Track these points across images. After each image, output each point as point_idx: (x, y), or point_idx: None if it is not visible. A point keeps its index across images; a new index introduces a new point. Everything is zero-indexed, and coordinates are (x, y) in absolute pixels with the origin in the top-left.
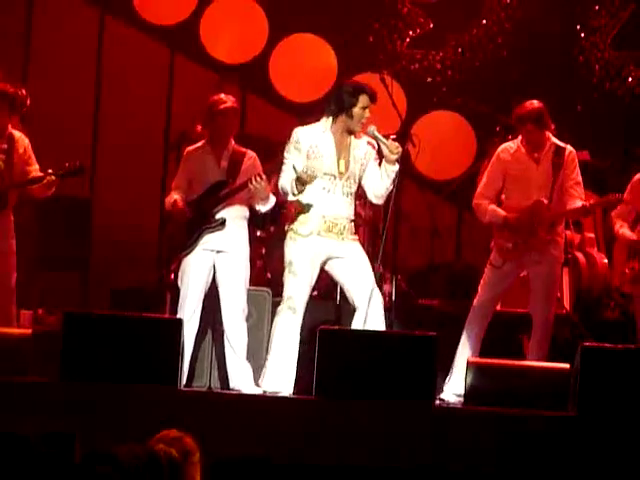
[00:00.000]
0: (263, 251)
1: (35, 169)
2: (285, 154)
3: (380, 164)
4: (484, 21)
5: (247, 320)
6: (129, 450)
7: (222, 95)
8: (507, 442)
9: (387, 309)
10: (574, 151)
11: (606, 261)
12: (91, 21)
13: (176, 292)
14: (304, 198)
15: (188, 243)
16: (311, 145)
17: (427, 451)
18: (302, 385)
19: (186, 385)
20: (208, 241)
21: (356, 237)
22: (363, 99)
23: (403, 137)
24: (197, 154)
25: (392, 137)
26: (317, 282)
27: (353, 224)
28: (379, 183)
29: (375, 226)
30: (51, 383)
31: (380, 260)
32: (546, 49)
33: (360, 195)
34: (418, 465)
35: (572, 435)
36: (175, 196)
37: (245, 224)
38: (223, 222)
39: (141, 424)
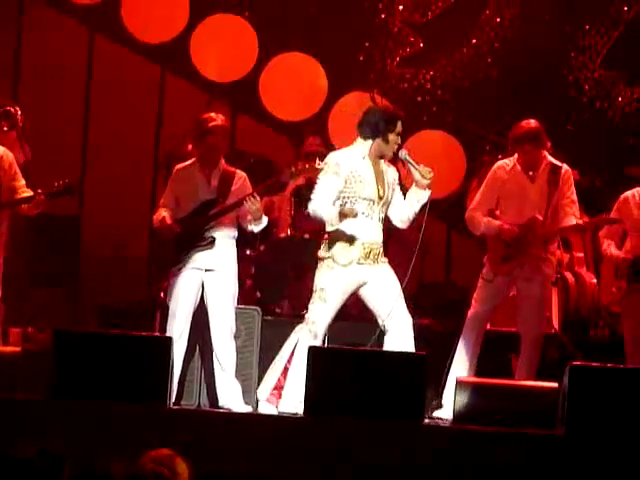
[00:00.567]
0: (253, 270)
1: (22, 185)
2: (321, 177)
3: (409, 188)
4: (474, 40)
5: (236, 338)
6: (119, 469)
7: (212, 114)
8: (496, 461)
9: None
10: (570, 170)
11: (595, 281)
12: (81, 39)
13: (165, 310)
14: (344, 224)
15: (177, 261)
16: (351, 170)
17: (415, 470)
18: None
19: (175, 403)
20: (197, 260)
21: (386, 260)
22: (398, 125)
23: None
24: (187, 172)
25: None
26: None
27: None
28: (406, 208)
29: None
30: (41, 401)
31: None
32: (536, 68)
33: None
34: None
35: (560, 454)
36: (163, 213)
37: (234, 243)
38: (212, 241)
39: (131, 443)
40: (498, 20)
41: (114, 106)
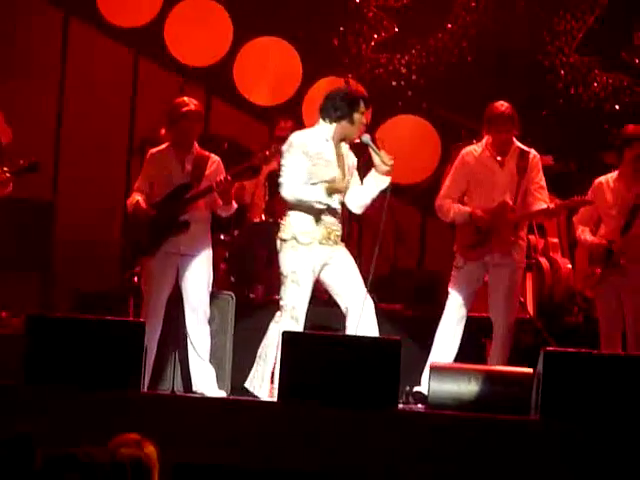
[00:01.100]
0: (227, 255)
1: None
2: (287, 158)
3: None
4: (449, 25)
5: (210, 323)
6: (91, 454)
7: (185, 98)
8: (470, 447)
9: None
10: (538, 155)
11: (570, 266)
12: (55, 22)
13: (139, 295)
14: (305, 207)
15: (151, 246)
16: (317, 152)
17: (390, 455)
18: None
19: (149, 388)
20: (171, 244)
21: (343, 243)
22: (362, 105)
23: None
24: (161, 157)
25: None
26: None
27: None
28: (364, 193)
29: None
30: (14, 386)
31: (372, 267)
32: (511, 54)
33: None
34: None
35: (534, 440)
36: (137, 197)
37: (208, 227)
38: (187, 225)
39: (104, 427)
40: (473, 5)
41: (87, 90)
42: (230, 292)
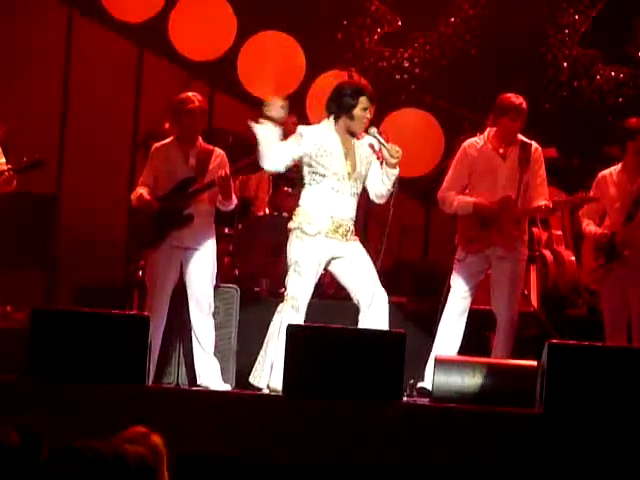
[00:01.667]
0: (231, 248)
1: (1, 162)
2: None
3: (381, 165)
4: (452, 19)
5: (214, 316)
6: (95, 448)
7: (189, 94)
8: (474, 440)
9: None
10: (540, 148)
11: (574, 259)
12: (59, 18)
13: (143, 289)
14: (313, 197)
15: (155, 240)
16: (315, 143)
17: (394, 449)
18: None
19: (154, 382)
20: (175, 238)
21: (357, 238)
22: (363, 100)
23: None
24: (165, 151)
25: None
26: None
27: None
28: (381, 185)
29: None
30: (19, 380)
31: (380, 261)
32: (514, 46)
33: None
34: (385, 463)
35: (539, 432)
36: (141, 190)
37: (212, 221)
38: (191, 219)
39: (108, 421)
40: None
41: (92, 85)
42: (234, 285)
